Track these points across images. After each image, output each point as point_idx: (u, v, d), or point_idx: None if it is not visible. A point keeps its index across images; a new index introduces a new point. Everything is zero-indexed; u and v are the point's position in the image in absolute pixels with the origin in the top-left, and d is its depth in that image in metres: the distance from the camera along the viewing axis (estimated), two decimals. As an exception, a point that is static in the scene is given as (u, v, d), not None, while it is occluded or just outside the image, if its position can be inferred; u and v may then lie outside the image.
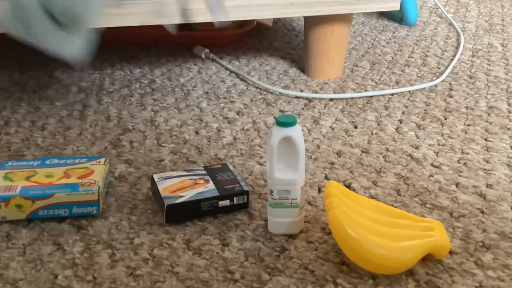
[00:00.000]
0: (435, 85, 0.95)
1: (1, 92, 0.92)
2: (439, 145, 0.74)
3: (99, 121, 0.81)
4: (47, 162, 0.64)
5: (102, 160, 0.64)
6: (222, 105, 0.87)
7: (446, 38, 1.21)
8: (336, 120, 0.82)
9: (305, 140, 0.75)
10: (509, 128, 0.79)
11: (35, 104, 0.87)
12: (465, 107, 0.86)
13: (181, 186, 0.60)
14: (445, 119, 0.82)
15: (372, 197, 0.63)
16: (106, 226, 0.58)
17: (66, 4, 0.54)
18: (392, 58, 1.08)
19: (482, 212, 0.60)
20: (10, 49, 1.14)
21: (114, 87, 0.94)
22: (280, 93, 0.91)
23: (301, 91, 0.92)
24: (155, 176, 0.62)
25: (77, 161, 0.64)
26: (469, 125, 0.80)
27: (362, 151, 0.73)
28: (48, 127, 0.79)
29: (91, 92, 0.92)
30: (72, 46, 0.55)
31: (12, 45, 1.16)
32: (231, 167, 0.64)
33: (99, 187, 0.58)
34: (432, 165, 0.69)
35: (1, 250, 0.54)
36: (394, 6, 0.90)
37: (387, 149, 0.73)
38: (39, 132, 0.78)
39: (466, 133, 0.78)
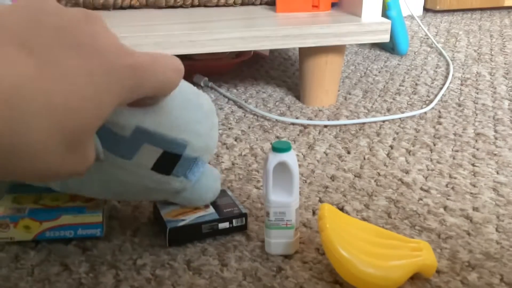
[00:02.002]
0: (425, 113, 0.98)
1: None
2: (428, 170, 0.78)
3: (102, 147, 0.84)
4: (53, 186, 0.66)
5: (106, 184, 0.67)
6: (220, 131, 0.90)
7: (436, 67, 1.25)
8: (330, 145, 0.85)
9: (300, 165, 0.79)
10: (495, 154, 0.82)
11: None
12: (453, 133, 0.90)
13: (182, 211, 0.63)
14: (434, 145, 0.86)
15: (364, 219, 0.65)
16: (110, 247, 0.60)
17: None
18: (384, 87, 1.13)
19: (469, 233, 0.62)
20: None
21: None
22: (276, 120, 0.95)
23: (297, 118, 0.95)
24: (158, 203, 0.64)
25: (81, 185, 0.67)
26: (457, 151, 0.84)
27: (355, 176, 0.76)
28: (53, 153, 0.82)
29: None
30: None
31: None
32: (229, 193, 0.67)
33: (103, 209, 0.61)
34: (421, 189, 0.72)
35: (10, 270, 0.56)
36: (384, 38, 0.95)
37: (379, 174, 0.76)
38: (45, 158, 0.81)
39: (454, 158, 0.81)
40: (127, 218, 0.66)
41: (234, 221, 0.62)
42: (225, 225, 0.61)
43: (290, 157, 0.56)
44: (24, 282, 0.55)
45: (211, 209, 0.63)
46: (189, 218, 0.61)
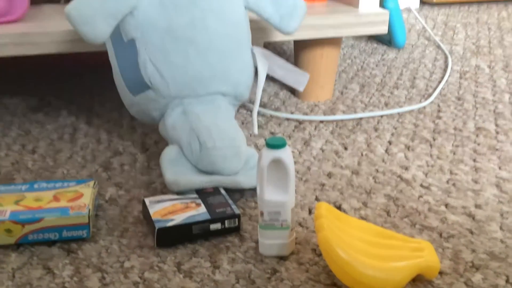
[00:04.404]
0: (424, 107, 0.96)
1: (-8, 115, 0.92)
2: (428, 166, 0.75)
3: (90, 144, 0.81)
4: (36, 186, 0.63)
5: (91, 183, 0.64)
6: (213, 127, 0.87)
7: (434, 61, 1.23)
8: (326, 141, 0.83)
9: (295, 162, 0.76)
10: (497, 149, 0.80)
11: (25, 127, 0.87)
12: (453, 128, 0.87)
13: (172, 209, 0.60)
14: (434, 140, 0.83)
15: (362, 218, 0.63)
16: (96, 249, 0.57)
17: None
18: (381, 81, 1.10)
19: (471, 232, 0.60)
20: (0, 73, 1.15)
21: (105, 109, 0.94)
22: (270, 115, 0.92)
23: (292, 113, 0.93)
24: (147, 200, 0.62)
25: (65, 184, 0.64)
26: (457, 146, 0.81)
27: (352, 173, 0.73)
28: (39, 150, 0.79)
29: (82, 115, 0.92)
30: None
31: (1, 69, 1.16)
32: (222, 191, 0.64)
33: (89, 210, 0.58)
34: (421, 186, 0.70)
35: (-11, 275, 0.53)
36: (382, 29, 0.92)
37: (377, 170, 0.74)
38: (30, 156, 0.78)
39: (454, 154, 0.79)
40: (115, 218, 0.63)
41: (226, 222, 0.59)
42: (217, 226, 0.58)
43: (285, 154, 0.53)
44: (4, 287, 0.52)
45: (203, 208, 0.60)
46: (179, 217, 0.58)
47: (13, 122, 0.89)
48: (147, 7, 0.68)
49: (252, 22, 0.85)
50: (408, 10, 1.79)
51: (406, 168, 0.74)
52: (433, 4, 1.89)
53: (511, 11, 1.78)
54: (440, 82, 1.09)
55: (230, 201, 0.61)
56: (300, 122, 0.90)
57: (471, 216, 0.63)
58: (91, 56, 1.13)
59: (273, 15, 0.76)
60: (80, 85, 1.07)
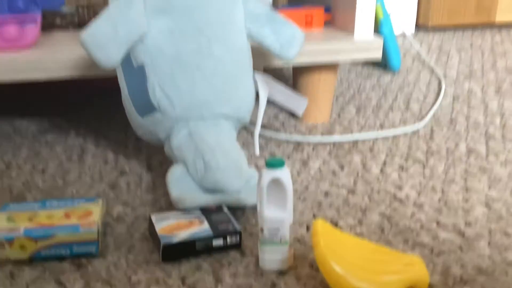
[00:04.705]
0: (418, 129, 0.99)
1: (2, 137, 0.95)
2: (421, 185, 0.78)
3: (97, 164, 0.85)
4: (47, 204, 0.67)
5: (100, 201, 0.67)
6: (215, 148, 0.91)
7: (428, 84, 1.27)
8: (323, 162, 0.86)
9: (294, 181, 0.79)
10: (487, 170, 0.83)
11: (35, 148, 0.91)
12: (445, 150, 0.91)
13: (177, 226, 0.63)
14: (427, 161, 0.86)
15: (357, 235, 0.66)
16: (105, 264, 0.60)
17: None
18: (377, 103, 1.14)
19: (461, 248, 0.63)
20: (11, 97, 1.19)
21: (111, 131, 0.98)
22: (270, 136, 0.96)
23: (291, 134, 0.96)
24: (153, 217, 0.65)
25: (75, 202, 0.67)
26: (449, 167, 0.85)
27: (348, 192, 0.76)
28: (48, 170, 0.83)
29: (89, 136, 0.96)
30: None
31: (13, 93, 1.20)
32: (225, 209, 0.67)
33: (98, 227, 0.61)
34: (414, 204, 0.73)
35: (4, 288, 0.56)
36: (377, 55, 0.96)
37: (372, 190, 0.77)
38: (40, 175, 0.81)
39: (446, 174, 0.82)
40: (122, 234, 0.66)
41: (228, 238, 0.62)
42: (219, 242, 0.62)
43: (284, 174, 0.57)
44: (19, 300, 0.55)
45: (206, 225, 0.63)
46: (184, 233, 0.61)
47: (24, 144, 0.93)
48: (156, 35, 0.73)
49: (253, 48, 0.89)
50: (404, 35, 1.84)
51: (400, 188, 0.78)
52: (428, 29, 1.94)
53: (505, 36, 1.83)
54: (433, 105, 1.13)
55: (232, 218, 0.65)
56: (299, 143, 0.93)
57: (461, 234, 0.66)
58: (98, 80, 1.17)
59: (274, 43, 0.81)
60: (87, 108, 1.11)
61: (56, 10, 0.92)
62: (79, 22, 1.00)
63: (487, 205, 0.73)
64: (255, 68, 0.89)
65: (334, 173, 0.82)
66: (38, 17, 0.88)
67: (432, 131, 0.99)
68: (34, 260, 0.61)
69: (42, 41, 0.94)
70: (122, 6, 0.71)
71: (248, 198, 0.69)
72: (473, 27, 1.97)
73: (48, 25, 1.00)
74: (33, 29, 0.88)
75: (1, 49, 0.87)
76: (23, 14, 0.88)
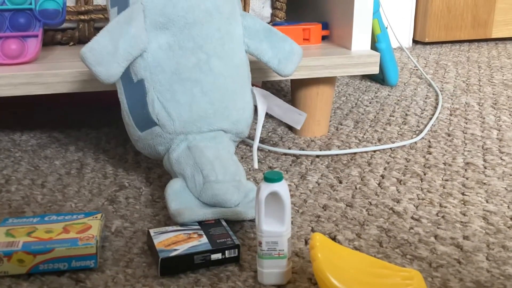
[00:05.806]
0: (415, 143, 1.00)
1: (2, 151, 0.96)
2: (418, 199, 0.79)
3: (96, 178, 0.85)
4: (46, 218, 0.67)
5: (99, 215, 0.67)
6: (213, 162, 0.91)
7: (426, 98, 1.28)
8: (322, 175, 0.86)
9: (292, 195, 0.80)
10: (484, 183, 0.84)
11: (34, 163, 0.91)
12: (443, 163, 0.91)
13: (175, 240, 0.63)
14: (425, 174, 0.87)
15: (356, 248, 0.66)
16: (103, 279, 0.60)
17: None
18: (375, 117, 1.14)
19: (459, 262, 0.63)
20: (11, 112, 1.19)
21: (110, 145, 0.98)
22: (269, 150, 0.96)
23: (289, 148, 0.97)
24: (151, 231, 0.65)
25: (74, 217, 0.67)
26: (447, 180, 0.85)
27: (347, 205, 0.77)
28: (48, 184, 0.83)
29: (89, 150, 0.96)
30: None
31: (12, 108, 1.21)
32: (223, 223, 0.67)
33: (97, 241, 0.62)
34: (412, 218, 0.73)
35: (2, 303, 0.56)
36: (374, 70, 0.97)
37: (370, 203, 0.77)
38: (39, 190, 0.81)
39: (444, 187, 0.82)
40: (120, 249, 0.66)
41: (226, 252, 0.62)
42: (218, 256, 0.62)
43: (282, 187, 0.57)
44: (17, 315, 0.54)
45: (204, 239, 0.63)
46: (182, 247, 0.61)
47: (23, 158, 0.93)
48: (156, 50, 0.73)
49: (251, 62, 0.90)
50: (401, 49, 1.85)
51: (398, 201, 0.78)
52: (425, 43, 1.96)
53: (501, 49, 1.85)
54: (431, 118, 1.13)
55: (230, 232, 0.65)
56: (297, 157, 0.94)
57: (459, 247, 0.66)
58: (97, 95, 1.18)
59: (272, 59, 0.81)
60: (86, 122, 1.11)
61: (57, 26, 0.92)
62: (80, 37, 1.01)
63: (485, 219, 0.73)
64: (254, 82, 0.89)
65: (332, 186, 0.83)
66: (40, 33, 0.89)
67: (429, 144, 0.99)
68: (32, 274, 0.61)
69: (43, 56, 0.95)
70: (123, 22, 0.72)
71: (246, 211, 0.69)
72: (470, 41, 1.99)
73: (49, 41, 1.01)
74: (34, 45, 0.89)
75: (3, 65, 0.87)
76: (24, 30, 0.88)
